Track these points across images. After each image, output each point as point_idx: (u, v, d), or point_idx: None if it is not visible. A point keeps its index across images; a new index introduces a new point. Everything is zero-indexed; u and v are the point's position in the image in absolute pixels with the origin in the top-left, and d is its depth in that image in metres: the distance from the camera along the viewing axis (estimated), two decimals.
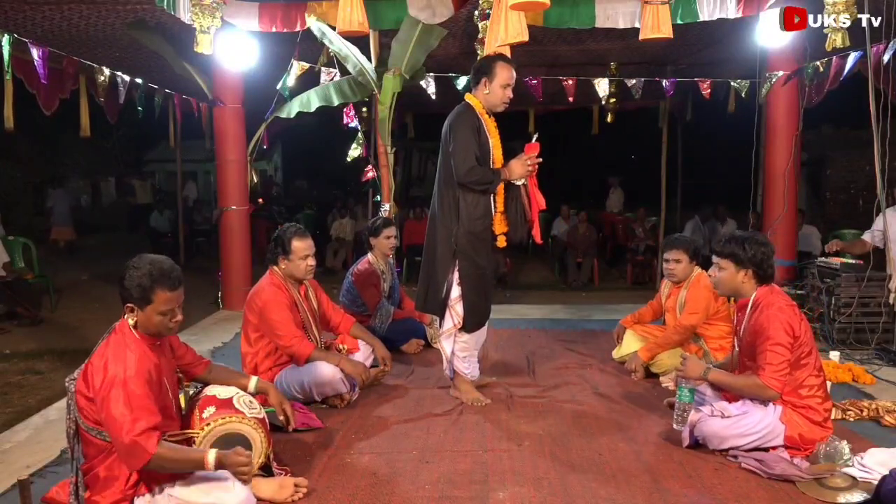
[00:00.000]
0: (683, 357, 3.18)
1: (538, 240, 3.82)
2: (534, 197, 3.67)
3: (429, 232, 3.74)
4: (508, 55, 4.78)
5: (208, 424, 2.52)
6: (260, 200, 11.96)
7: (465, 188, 3.53)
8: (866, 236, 5.34)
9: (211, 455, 2.28)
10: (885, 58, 4.88)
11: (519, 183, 3.63)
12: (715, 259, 3.09)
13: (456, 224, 3.55)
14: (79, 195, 19.05)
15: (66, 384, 2.39)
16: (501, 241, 3.68)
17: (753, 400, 2.96)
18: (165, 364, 2.50)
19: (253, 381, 2.89)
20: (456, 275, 3.60)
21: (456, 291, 3.62)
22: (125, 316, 2.39)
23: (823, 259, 5.44)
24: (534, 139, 3.64)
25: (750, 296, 3.02)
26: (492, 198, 3.63)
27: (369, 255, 4.96)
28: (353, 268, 5.02)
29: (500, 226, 3.66)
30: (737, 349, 3.15)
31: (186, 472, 2.36)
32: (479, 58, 3.66)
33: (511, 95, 3.60)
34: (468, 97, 3.65)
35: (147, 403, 2.24)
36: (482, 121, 3.58)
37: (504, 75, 3.55)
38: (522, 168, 3.57)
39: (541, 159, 3.62)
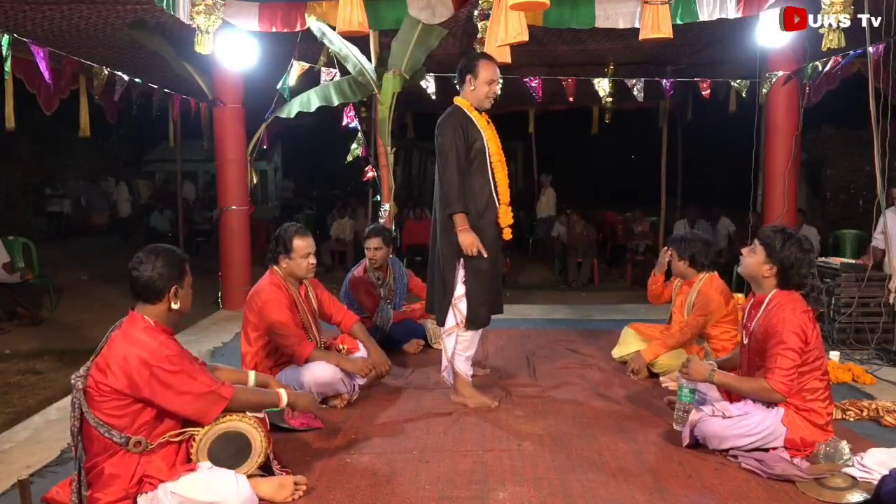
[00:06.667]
0: (688, 359, 3.17)
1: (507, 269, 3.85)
2: None
3: (433, 235, 3.74)
4: (508, 55, 4.81)
5: None
6: None
7: (466, 183, 3.53)
8: (875, 243, 5.35)
9: (283, 395, 2.72)
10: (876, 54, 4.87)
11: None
12: (756, 241, 3.03)
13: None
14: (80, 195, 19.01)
15: (73, 381, 2.36)
16: (507, 234, 3.67)
17: (756, 401, 2.96)
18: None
19: (252, 376, 2.90)
20: (461, 272, 3.60)
21: (460, 290, 3.61)
22: (170, 303, 2.48)
23: (823, 259, 5.43)
24: None
25: (768, 293, 2.99)
26: (494, 191, 3.62)
27: (365, 261, 4.96)
28: (351, 272, 5.03)
29: (505, 218, 3.65)
30: (745, 343, 3.12)
31: (187, 465, 2.43)
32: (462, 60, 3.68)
33: (497, 91, 3.64)
34: (456, 100, 3.68)
35: (196, 368, 2.48)
36: (471, 118, 3.59)
37: (487, 72, 3.58)
38: (472, 248, 3.45)
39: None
